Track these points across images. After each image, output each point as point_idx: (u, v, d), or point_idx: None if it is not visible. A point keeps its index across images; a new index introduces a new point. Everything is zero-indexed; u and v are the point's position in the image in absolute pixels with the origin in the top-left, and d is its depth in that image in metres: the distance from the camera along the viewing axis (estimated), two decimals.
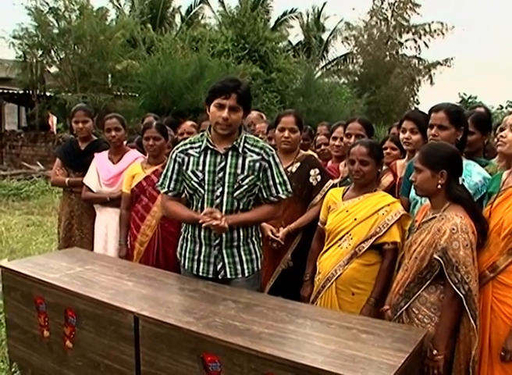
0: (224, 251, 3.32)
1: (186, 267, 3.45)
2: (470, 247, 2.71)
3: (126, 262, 4.15)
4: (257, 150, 3.29)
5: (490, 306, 2.81)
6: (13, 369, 3.59)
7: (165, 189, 3.42)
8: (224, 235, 3.27)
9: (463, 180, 2.94)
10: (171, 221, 4.30)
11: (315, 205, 3.95)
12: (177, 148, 3.40)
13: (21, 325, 3.55)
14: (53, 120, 19.96)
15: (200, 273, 3.38)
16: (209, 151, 3.30)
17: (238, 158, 3.26)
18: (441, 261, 2.72)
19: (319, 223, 3.73)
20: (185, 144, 3.39)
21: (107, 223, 4.74)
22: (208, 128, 3.38)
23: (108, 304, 2.97)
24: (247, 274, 3.37)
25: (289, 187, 3.39)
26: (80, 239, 4.98)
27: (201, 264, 3.37)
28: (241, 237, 3.34)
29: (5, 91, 20.03)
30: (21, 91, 19.17)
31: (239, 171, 3.24)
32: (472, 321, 2.70)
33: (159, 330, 2.73)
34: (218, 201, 3.26)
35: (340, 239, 3.46)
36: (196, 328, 2.62)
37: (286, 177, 3.39)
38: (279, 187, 3.34)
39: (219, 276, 3.34)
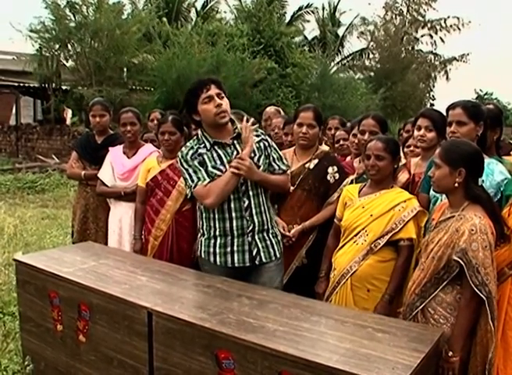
0: (256, 237, 3.43)
1: (218, 263, 3.44)
2: (489, 248, 2.65)
3: (140, 256, 4.14)
4: (254, 132, 3.44)
5: (507, 302, 2.77)
6: (26, 363, 3.60)
7: (202, 181, 3.32)
8: (256, 220, 3.40)
9: (482, 181, 2.88)
10: (185, 216, 4.28)
11: (331, 203, 3.89)
12: (186, 154, 3.39)
13: (34, 318, 3.55)
14: (67, 114, 20.09)
15: (236, 264, 3.42)
16: (217, 146, 3.39)
17: None
18: (461, 262, 2.66)
19: (335, 220, 3.69)
20: (191, 148, 3.42)
21: (121, 217, 4.74)
22: (199, 131, 3.48)
23: (121, 299, 2.96)
24: (278, 256, 3.52)
25: (284, 160, 3.62)
26: (95, 232, 5.01)
27: (236, 255, 3.42)
28: (268, 220, 3.48)
29: (22, 85, 20.17)
30: (37, 85, 19.27)
31: (252, 154, 3.36)
32: (491, 323, 2.64)
33: (173, 325, 2.71)
34: (243, 188, 3.37)
35: (356, 235, 3.44)
36: (209, 324, 2.59)
37: (280, 152, 3.65)
38: (277, 162, 3.56)
39: (256, 262, 3.42)
